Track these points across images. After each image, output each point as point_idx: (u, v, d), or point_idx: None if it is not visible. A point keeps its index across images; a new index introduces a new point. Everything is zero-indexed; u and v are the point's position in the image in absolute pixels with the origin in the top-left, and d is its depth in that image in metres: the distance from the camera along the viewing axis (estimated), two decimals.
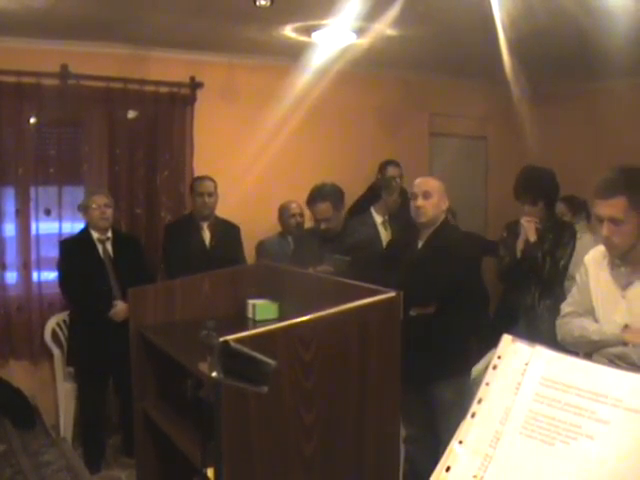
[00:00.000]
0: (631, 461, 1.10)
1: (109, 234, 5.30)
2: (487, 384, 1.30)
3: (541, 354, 1.27)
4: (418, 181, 4.25)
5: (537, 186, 4.60)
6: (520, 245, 4.58)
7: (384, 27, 5.32)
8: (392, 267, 4.22)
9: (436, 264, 4.01)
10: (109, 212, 5.26)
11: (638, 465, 1.09)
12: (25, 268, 5.87)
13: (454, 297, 4.02)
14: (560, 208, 5.83)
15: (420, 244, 4.21)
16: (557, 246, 4.52)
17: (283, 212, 6.28)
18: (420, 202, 4.12)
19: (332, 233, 4.86)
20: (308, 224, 5.68)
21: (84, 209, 5.31)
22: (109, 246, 5.28)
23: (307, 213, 5.46)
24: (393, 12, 4.80)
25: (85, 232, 5.31)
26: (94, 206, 5.20)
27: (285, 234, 6.23)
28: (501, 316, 4.93)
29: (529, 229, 4.55)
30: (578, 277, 3.21)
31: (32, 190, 5.86)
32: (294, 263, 5.10)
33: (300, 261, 4.88)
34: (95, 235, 5.24)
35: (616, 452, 1.11)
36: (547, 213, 4.63)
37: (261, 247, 6.21)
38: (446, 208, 4.23)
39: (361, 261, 4.51)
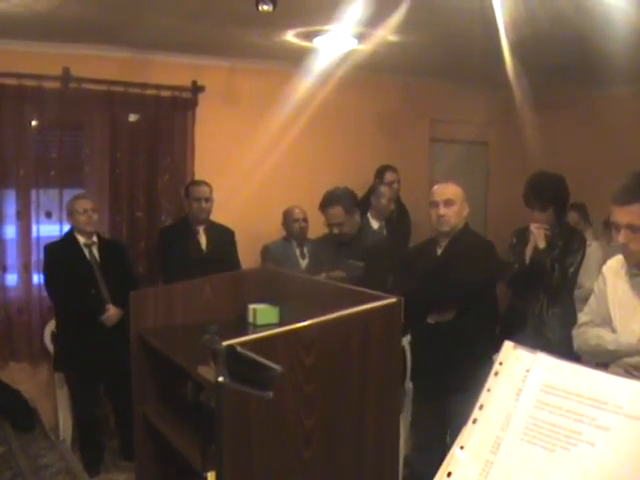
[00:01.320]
0: (631, 467, 1.11)
1: (94, 239, 5.30)
2: (488, 390, 1.30)
3: (542, 361, 1.27)
4: (438, 188, 4.18)
5: (547, 192, 4.51)
6: (529, 252, 4.53)
7: (385, 33, 5.33)
8: (412, 274, 4.20)
9: (456, 271, 3.98)
10: (95, 217, 5.27)
11: (638, 472, 1.10)
12: (25, 270, 5.88)
13: (473, 304, 4.00)
14: (572, 216, 5.80)
15: (439, 251, 4.18)
16: (566, 253, 4.45)
17: (287, 217, 6.30)
18: (442, 210, 4.06)
19: (347, 237, 4.83)
20: (314, 228, 5.67)
21: (70, 213, 5.29)
22: (95, 250, 5.27)
23: (312, 218, 5.46)
24: (395, 18, 4.81)
25: (70, 236, 5.29)
26: (80, 210, 5.19)
27: (289, 239, 6.26)
28: (509, 323, 4.87)
29: (538, 235, 4.49)
30: (595, 286, 3.16)
31: (33, 192, 5.87)
32: (311, 270, 5.09)
33: (317, 268, 4.87)
34: (81, 240, 5.23)
35: (616, 458, 1.12)
36: (557, 219, 4.55)
37: (265, 251, 6.23)
38: (466, 214, 4.19)
39: (374, 266, 4.50)
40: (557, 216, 4.56)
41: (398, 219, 6.50)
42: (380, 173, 6.73)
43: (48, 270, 5.26)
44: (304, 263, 6.09)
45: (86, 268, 5.19)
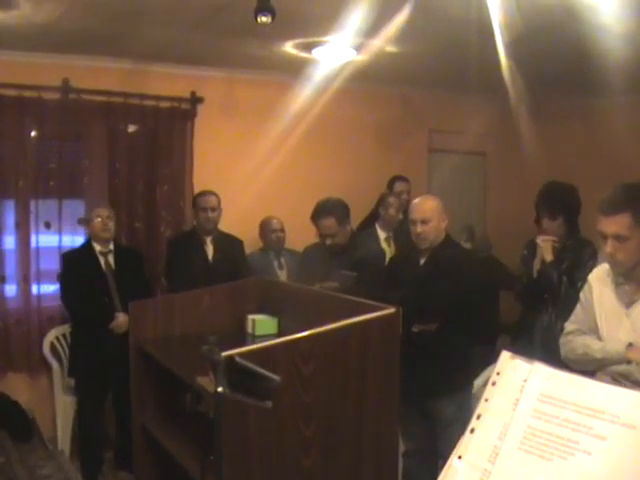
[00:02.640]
0: (627, 476, 1.11)
1: (111, 247, 5.32)
2: (486, 400, 1.31)
3: (539, 371, 1.28)
4: (415, 206, 4.26)
5: (556, 200, 4.47)
6: (537, 265, 4.52)
7: (384, 43, 5.35)
8: (394, 284, 4.24)
9: (438, 282, 4.03)
10: (111, 224, 5.28)
11: None
12: (25, 281, 5.87)
13: (456, 314, 4.03)
14: None
15: (422, 261, 4.23)
16: (576, 266, 4.35)
17: (264, 228, 6.31)
18: (419, 229, 4.15)
19: (338, 248, 4.85)
20: (308, 239, 5.66)
21: (86, 222, 5.33)
22: (111, 259, 5.29)
23: (308, 228, 5.46)
24: (393, 29, 4.83)
25: (87, 245, 5.33)
26: (98, 219, 5.23)
27: (267, 249, 6.27)
28: (519, 336, 4.84)
29: (545, 249, 4.45)
30: (582, 295, 3.18)
31: (32, 203, 5.87)
32: (301, 278, 5.10)
33: (307, 276, 4.88)
34: (97, 248, 5.25)
35: (613, 467, 1.13)
36: (567, 230, 4.48)
37: None
38: (445, 225, 4.23)
39: (366, 277, 4.52)
40: (568, 226, 4.49)
41: (401, 230, 6.45)
42: (391, 183, 6.74)
43: (64, 279, 5.31)
44: (282, 274, 6.12)
45: (100, 276, 5.21)
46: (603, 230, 2.86)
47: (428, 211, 4.17)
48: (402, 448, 4.36)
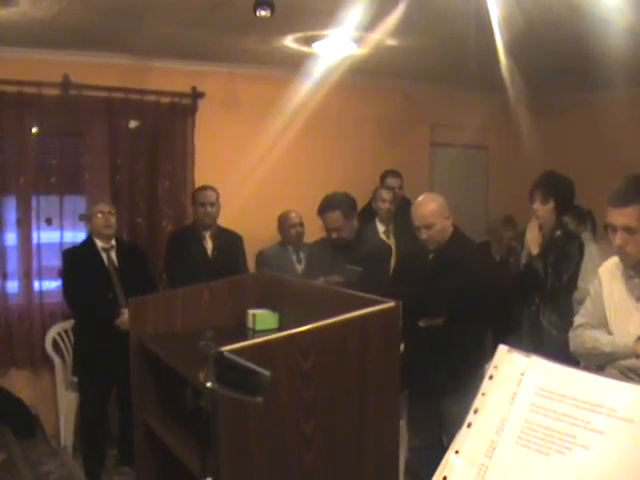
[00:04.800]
0: (626, 471, 1.10)
1: (113, 243, 5.30)
2: (483, 394, 1.30)
3: (537, 364, 1.27)
4: (416, 212, 4.24)
5: (551, 185, 4.48)
6: (523, 258, 4.53)
7: (384, 37, 5.34)
8: (404, 279, 4.23)
9: (446, 276, 4.02)
10: (113, 220, 5.26)
11: (633, 475, 1.10)
12: (26, 277, 5.88)
13: (463, 309, 4.02)
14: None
15: (431, 256, 4.23)
16: (562, 259, 4.39)
17: (283, 222, 6.25)
18: (424, 235, 4.15)
19: (344, 242, 4.84)
20: (313, 233, 5.65)
21: (88, 218, 5.32)
22: (113, 255, 5.27)
23: (311, 223, 5.45)
24: (393, 22, 4.81)
25: (89, 241, 5.31)
26: (99, 215, 5.21)
27: (285, 244, 6.20)
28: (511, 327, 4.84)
29: (531, 242, 4.48)
30: (592, 288, 3.16)
31: (33, 199, 5.88)
32: (307, 273, 5.09)
33: (313, 271, 4.87)
34: (99, 244, 5.24)
35: (611, 462, 1.12)
36: (557, 219, 4.49)
37: (261, 257, 6.18)
38: (451, 222, 4.22)
39: (371, 271, 4.51)
40: (558, 214, 4.49)
41: (401, 223, 6.43)
42: (382, 178, 6.72)
43: (66, 275, 5.28)
44: (301, 268, 6.02)
45: (103, 272, 5.20)
46: (612, 222, 2.84)
47: (430, 216, 4.15)
48: (409, 444, 4.38)
